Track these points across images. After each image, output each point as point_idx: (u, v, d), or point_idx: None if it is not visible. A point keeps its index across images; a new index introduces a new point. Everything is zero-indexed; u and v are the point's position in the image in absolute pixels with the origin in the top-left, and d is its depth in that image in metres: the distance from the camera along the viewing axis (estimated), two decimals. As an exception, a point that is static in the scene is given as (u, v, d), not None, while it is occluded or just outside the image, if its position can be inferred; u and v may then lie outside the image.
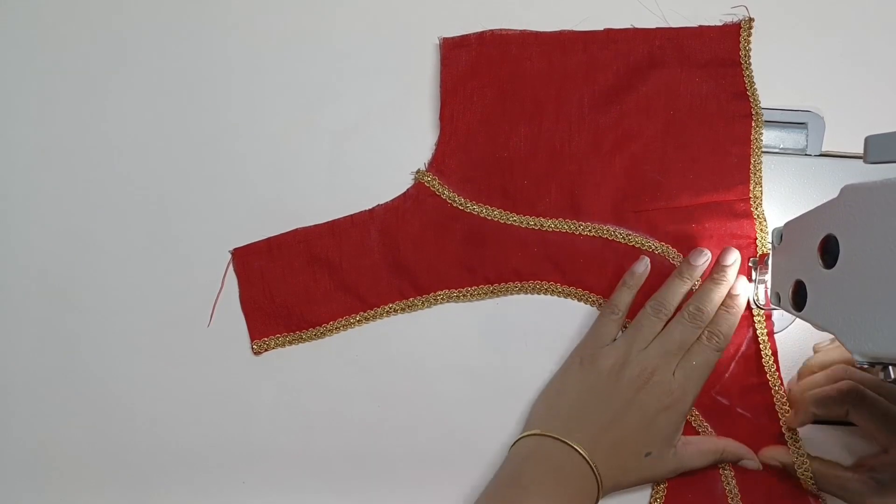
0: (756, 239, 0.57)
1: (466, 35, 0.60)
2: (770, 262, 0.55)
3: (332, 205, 0.59)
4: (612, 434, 0.52)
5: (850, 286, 0.41)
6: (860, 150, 0.40)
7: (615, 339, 0.56)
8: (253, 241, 0.59)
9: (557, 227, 0.59)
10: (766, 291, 0.56)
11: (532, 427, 0.55)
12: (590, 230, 0.58)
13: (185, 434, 0.59)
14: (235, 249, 0.59)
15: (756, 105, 0.58)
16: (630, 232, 0.58)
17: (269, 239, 0.59)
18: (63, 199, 0.60)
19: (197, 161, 0.60)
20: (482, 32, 0.59)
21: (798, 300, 0.48)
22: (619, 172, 0.59)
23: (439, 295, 0.59)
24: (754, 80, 0.59)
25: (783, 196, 0.59)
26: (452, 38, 0.60)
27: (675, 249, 0.58)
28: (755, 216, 0.57)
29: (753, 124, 0.58)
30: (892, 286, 0.38)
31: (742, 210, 0.58)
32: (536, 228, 0.59)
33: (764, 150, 0.59)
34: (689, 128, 0.59)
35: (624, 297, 0.57)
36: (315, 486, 0.59)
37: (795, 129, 0.60)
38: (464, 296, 0.59)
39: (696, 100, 0.59)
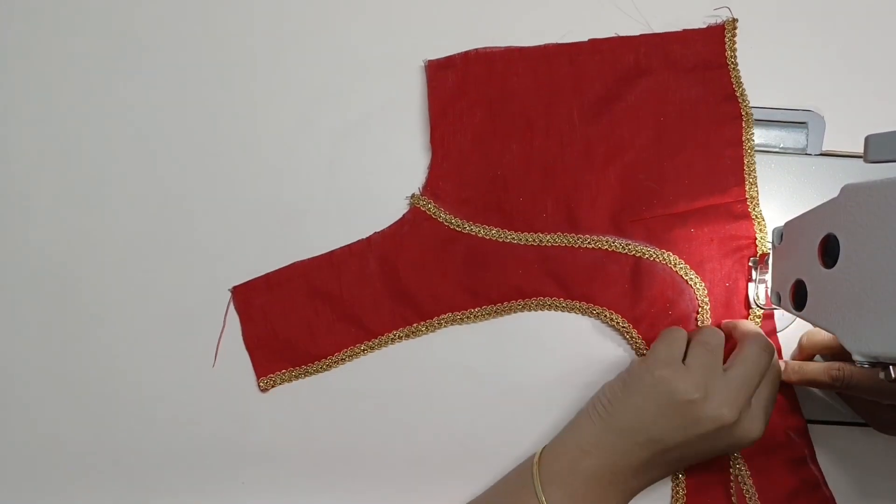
0: (756, 239, 0.57)
1: (451, 56, 0.60)
2: (770, 261, 0.55)
3: (332, 220, 0.59)
4: (673, 453, 0.50)
5: (850, 286, 0.41)
6: (860, 149, 0.40)
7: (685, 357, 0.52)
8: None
9: (556, 242, 0.58)
10: (766, 291, 0.56)
11: (598, 413, 0.53)
12: (589, 242, 0.58)
13: (185, 434, 0.59)
14: (235, 287, 0.59)
15: (745, 106, 0.58)
16: (629, 241, 0.58)
17: (267, 275, 0.59)
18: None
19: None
20: (467, 52, 0.59)
21: (798, 300, 0.48)
22: (614, 183, 0.58)
23: (443, 319, 0.58)
24: (742, 80, 0.58)
25: (783, 196, 0.59)
26: (437, 60, 0.60)
27: (675, 256, 0.57)
28: (753, 216, 0.57)
29: (744, 125, 0.58)
30: (892, 286, 0.38)
31: (740, 211, 0.57)
32: (536, 245, 0.58)
33: (764, 149, 0.59)
34: (681, 133, 0.58)
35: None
36: (315, 487, 0.59)
37: (795, 128, 0.59)
38: (467, 318, 0.58)
39: (686, 104, 0.58)
